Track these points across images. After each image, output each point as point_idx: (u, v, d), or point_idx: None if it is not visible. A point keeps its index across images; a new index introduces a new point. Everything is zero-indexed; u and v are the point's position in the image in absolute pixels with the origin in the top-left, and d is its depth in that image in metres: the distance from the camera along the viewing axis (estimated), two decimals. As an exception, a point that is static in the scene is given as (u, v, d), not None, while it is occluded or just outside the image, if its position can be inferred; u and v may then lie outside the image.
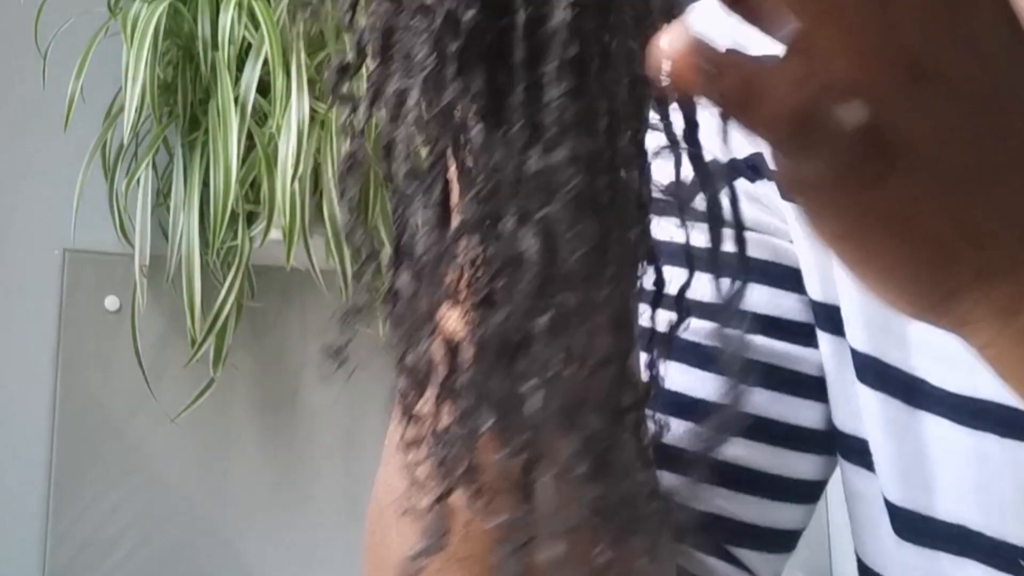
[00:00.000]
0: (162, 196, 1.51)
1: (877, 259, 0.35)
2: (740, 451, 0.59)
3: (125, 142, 1.46)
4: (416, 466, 0.35)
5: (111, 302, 1.57)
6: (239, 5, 1.45)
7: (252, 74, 1.45)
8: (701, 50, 0.32)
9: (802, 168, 0.33)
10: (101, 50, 1.46)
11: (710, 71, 0.32)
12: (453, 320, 0.33)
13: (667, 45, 0.32)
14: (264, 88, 1.46)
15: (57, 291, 1.55)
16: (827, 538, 1.79)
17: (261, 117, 1.48)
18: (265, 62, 1.44)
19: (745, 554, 0.60)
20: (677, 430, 0.54)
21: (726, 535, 0.59)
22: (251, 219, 1.48)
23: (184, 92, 1.49)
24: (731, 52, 0.33)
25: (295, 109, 1.41)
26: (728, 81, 0.32)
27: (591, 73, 0.31)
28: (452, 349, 0.32)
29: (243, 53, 1.47)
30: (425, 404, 0.34)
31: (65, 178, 1.46)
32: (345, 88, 0.34)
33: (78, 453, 1.53)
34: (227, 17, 1.45)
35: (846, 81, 0.32)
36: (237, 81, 1.45)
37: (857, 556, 0.63)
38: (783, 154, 0.33)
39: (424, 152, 0.32)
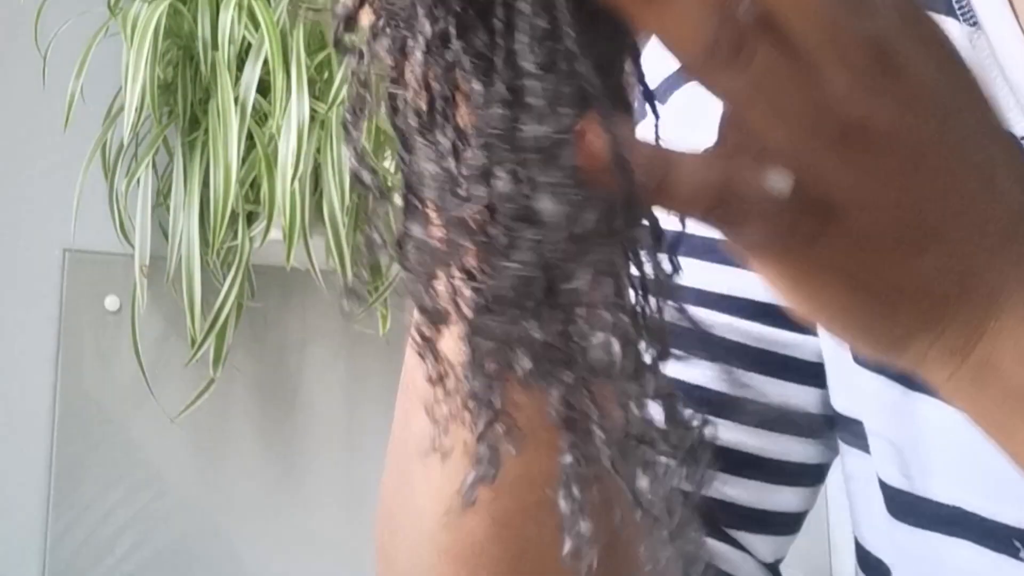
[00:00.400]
0: (162, 196, 1.51)
1: (828, 307, 0.36)
2: (738, 436, 0.59)
3: (125, 142, 1.45)
4: (440, 404, 0.35)
5: (111, 302, 1.57)
6: (239, 5, 1.45)
7: (252, 74, 1.45)
8: (610, 141, 0.32)
9: (738, 233, 0.34)
10: (101, 50, 1.46)
11: (619, 160, 0.31)
12: (473, 262, 0.33)
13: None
14: (264, 88, 1.46)
15: (57, 291, 1.55)
16: (827, 537, 1.79)
17: (261, 117, 1.48)
18: (265, 62, 1.44)
19: (743, 536, 0.60)
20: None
21: (723, 517, 0.59)
22: (251, 219, 1.48)
23: (184, 92, 1.49)
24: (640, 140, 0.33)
25: (295, 109, 1.41)
26: (639, 165, 0.32)
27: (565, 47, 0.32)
28: (477, 291, 0.33)
29: (243, 53, 1.47)
30: (445, 340, 0.34)
31: (65, 178, 1.46)
32: (347, 39, 0.35)
33: (78, 453, 1.52)
34: (227, 17, 1.45)
35: (774, 150, 0.32)
36: (237, 81, 1.45)
37: (855, 539, 0.64)
38: (712, 226, 0.34)
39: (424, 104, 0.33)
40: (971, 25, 0.55)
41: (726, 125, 0.34)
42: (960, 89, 0.35)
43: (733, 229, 0.34)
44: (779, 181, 0.32)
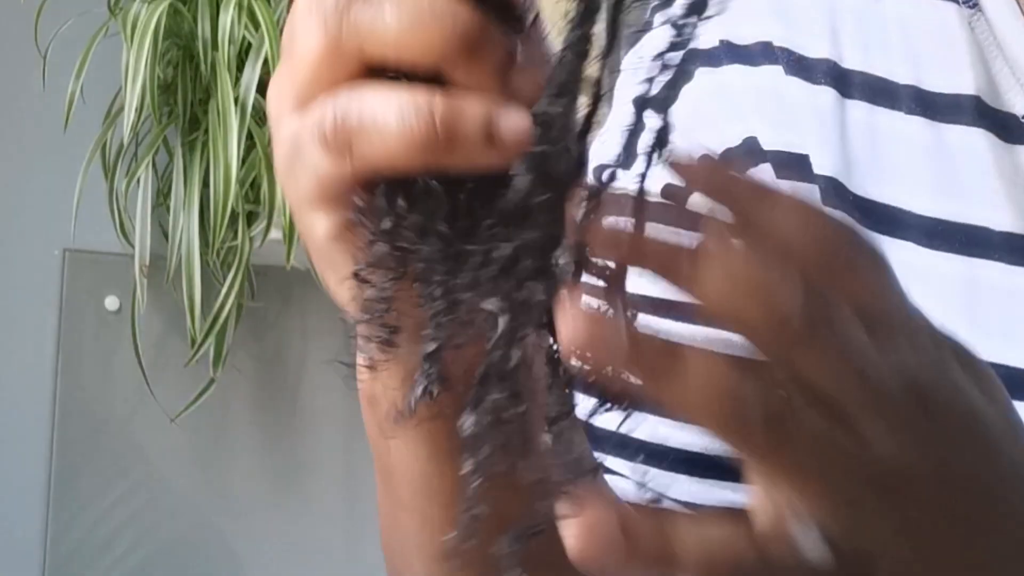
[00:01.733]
0: (162, 196, 1.51)
1: None
2: None
3: (125, 142, 1.46)
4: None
5: (111, 302, 1.57)
6: (239, 5, 1.45)
7: (252, 74, 1.45)
8: (606, 328, 0.29)
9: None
10: (101, 50, 1.46)
11: (620, 348, 0.29)
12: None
13: (568, 334, 0.29)
14: (264, 88, 1.46)
15: (57, 291, 1.55)
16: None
17: (261, 117, 1.49)
18: (265, 62, 1.44)
19: None
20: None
21: None
22: (251, 219, 1.49)
23: (184, 92, 1.49)
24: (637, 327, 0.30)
25: (295, 109, 1.41)
26: (645, 353, 0.29)
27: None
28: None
29: (243, 53, 1.47)
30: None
31: (65, 178, 1.47)
32: None
33: (78, 453, 1.53)
34: (227, 17, 1.45)
35: (810, 511, 0.31)
36: (237, 81, 1.45)
37: None
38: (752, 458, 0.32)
39: None
40: (971, 7, 0.55)
41: (755, 484, 0.32)
42: (999, 415, 0.33)
43: None
44: (816, 550, 0.31)
